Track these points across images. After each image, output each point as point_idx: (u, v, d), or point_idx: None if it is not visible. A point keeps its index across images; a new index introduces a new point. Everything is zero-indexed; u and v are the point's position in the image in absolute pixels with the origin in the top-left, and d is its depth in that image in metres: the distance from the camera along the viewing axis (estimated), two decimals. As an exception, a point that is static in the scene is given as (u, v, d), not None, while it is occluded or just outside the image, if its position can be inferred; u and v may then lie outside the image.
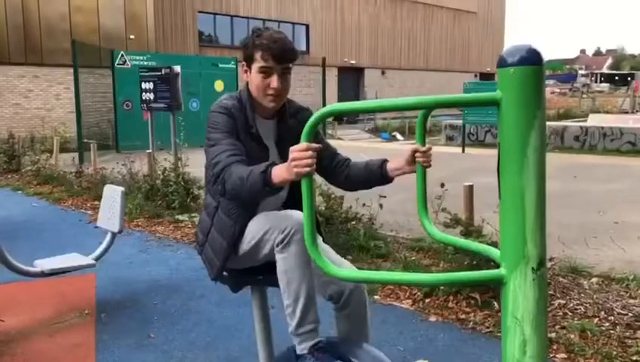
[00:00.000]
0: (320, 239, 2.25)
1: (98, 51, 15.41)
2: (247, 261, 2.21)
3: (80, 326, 3.52)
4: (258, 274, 2.25)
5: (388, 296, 3.92)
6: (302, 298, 2.01)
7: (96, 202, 6.92)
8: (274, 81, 2.09)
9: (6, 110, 17.52)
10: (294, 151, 1.60)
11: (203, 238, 2.31)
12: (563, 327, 3.26)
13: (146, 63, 14.02)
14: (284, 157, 2.09)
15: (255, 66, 2.11)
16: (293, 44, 2.17)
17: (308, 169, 1.56)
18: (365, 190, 2.43)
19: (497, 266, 1.24)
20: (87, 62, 13.73)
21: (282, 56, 2.08)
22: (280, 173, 1.77)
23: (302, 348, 2.02)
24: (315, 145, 1.59)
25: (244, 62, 2.17)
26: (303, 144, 1.53)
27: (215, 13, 24.21)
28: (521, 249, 1.17)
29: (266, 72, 2.09)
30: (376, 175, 2.26)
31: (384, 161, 2.26)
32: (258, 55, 2.09)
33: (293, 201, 2.34)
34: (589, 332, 3.15)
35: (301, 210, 1.48)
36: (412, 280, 1.45)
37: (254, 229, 2.13)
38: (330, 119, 21.76)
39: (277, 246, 2.01)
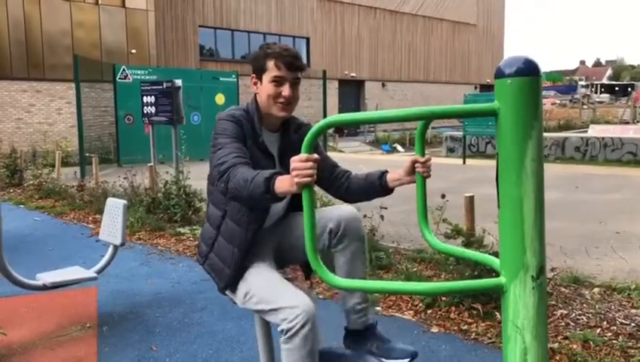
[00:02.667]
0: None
1: (100, 66, 15.52)
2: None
3: (82, 339, 3.51)
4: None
5: (390, 307, 3.92)
6: None
7: (98, 216, 6.94)
8: (286, 89, 2.16)
9: (8, 125, 17.60)
10: (295, 161, 1.62)
11: (206, 249, 2.32)
12: (565, 337, 3.26)
13: (147, 77, 14.09)
14: (286, 170, 2.11)
15: (267, 76, 2.17)
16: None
17: (309, 179, 1.58)
18: (366, 201, 2.45)
19: (498, 276, 1.25)
20: (88, 77, 13.82)
21: (294, 63, 2.16)
22: (283, 183, 1.79)
23: None
24: (314, 156, 1.61)
25: (253, 75, 2.23)
26: (303, 155, 1.55)
27: (216, 28, 24.36)
28: (521, 257, 1.18)
29: (278, 81, 2.16)
30: (376, 186, 2.29)
31: (384, 172, 2.29)
32: (271, 64, 2.15)
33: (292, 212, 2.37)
34: (591, 343, 3.15)
35: (301, 220, 1.49)
36: (413, 289, 1.46)
37: (261, 294, 2.11)
38: (330, 131, 21.84)
39: (282, 333, 1.99)
